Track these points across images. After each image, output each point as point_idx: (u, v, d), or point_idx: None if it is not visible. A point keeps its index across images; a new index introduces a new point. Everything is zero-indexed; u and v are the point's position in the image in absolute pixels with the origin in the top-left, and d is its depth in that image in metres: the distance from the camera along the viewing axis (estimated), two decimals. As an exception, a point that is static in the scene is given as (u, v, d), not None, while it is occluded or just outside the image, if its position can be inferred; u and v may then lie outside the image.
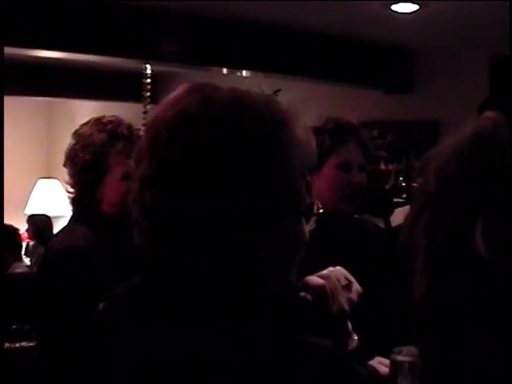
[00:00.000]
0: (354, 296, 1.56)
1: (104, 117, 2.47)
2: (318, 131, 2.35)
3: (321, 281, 1.51)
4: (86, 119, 2.53)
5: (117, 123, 2.43)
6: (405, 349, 1.44)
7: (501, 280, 0.67)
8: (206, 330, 1.05)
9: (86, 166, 2.38)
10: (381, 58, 5.91)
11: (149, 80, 5.10)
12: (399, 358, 1.45)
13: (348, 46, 5.69)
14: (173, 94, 1.14)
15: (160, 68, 5.62)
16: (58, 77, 7.10)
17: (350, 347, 1.56)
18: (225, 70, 5.47)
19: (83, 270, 2.27)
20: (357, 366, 1.19)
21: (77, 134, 2.44)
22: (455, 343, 0.71)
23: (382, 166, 3.44)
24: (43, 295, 2.39)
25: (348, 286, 1.57)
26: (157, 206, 1.07)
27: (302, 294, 1.48)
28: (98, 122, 2.44)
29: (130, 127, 2.44)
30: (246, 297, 1.08)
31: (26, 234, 6.86)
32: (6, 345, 3.79)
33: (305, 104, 5.66)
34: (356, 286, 1.59)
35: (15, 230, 5.70)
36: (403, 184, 4.38)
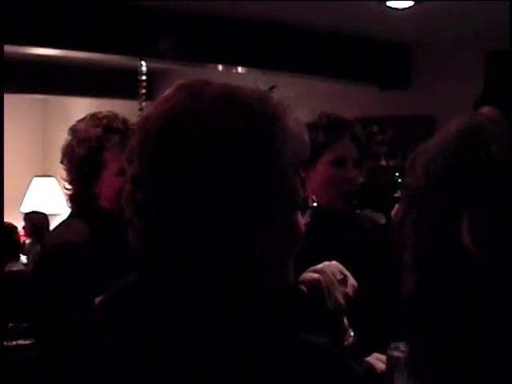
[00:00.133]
0: (349, 290, 1.56)
1: (100, 112, 2.49)
2: (311, 127, 2.35)
3: (316, 275, 1.51)
4: (81, 117, 2.53)
5: (112, 117, 2.44)
6: (401, 344, 1.43)
7: (487, 274, 0.67)
8: (204, 328, 1.04)
9: (82, 161, 2.39)
10: (377, 54, 5.91)
11: (144, 77, 5.09)
12: (396, 353, 1.44)
13: (344, 42, 5.69)
14: (164, 93, 1.14)
15: (155, 65, 5.62)
16: (53, 74, 7.08)
17: (346, 343, 1.56)
18: (220, 67, 5.46)
19: (80, 265, 2.27)
20: (352, 363, 1.19)
21: (73, 130, 2.45)
22: (444, 339, 0.71)
23: (383, 162, 3.43)
24: (39, 291, 2.38)
25: (343, 281, 1.57)
26: (148, 205, 1.07)
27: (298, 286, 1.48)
28: (93, 118, 2.45)
29: (125, 121, 2.45)
30: (241, 294, 1.07)
31: (22, 232, 6.85)
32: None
33: (300, 100, 5.66)
34: (351, 281, 1.58)
35: (14, 229, 5.69)
36: (399, 180, 4.39)
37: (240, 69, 5.50)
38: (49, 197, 7.80)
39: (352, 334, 1.58)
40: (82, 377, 1.14)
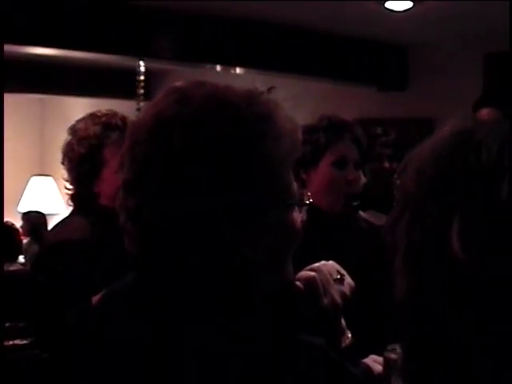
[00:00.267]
0: (346, 289, 1.56)
1: (99, 111, 2.51)
2: (312, 129, 2.36)
3: (312, 273, 1.51)
4: (79, 116, 2.55)
5: (110, 115, 2.47)
6: (398, 347, 1.43)
7: (476, 280, 0.67)
8: (204, 328, 1.05)
9: (81, 159, 2.40)
10: (375, 56, 5.91)
11: (142, 77, 5.09)
12: (392, 355, 1.44)
13: (342, 43, 5.69)
14: (155, 97, 1.14)
15: (154, 65, 5.61)
16: (50, 74, 7.07)
17: (343, 344, 1.56)
18: (218, 68, 5.46)
19: (79, 263, 2.27)
20: (349, 365, 1.19)
21: (72, 130, 2.47)
22: (436, 342, 0.71)
23: (387, 164, 3.43)
24: (39, 288, 2.38)
25: (341, 280, 1.56)
26: (140, 209, 1.07)
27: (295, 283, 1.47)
28: (92, 116, 2.47)
29: (123, 118, 2.47)
30: (239, 294, 1.07)
31: (20, 231, 6.84)
32: (-1, 343, 3.78)
33: (299, 101, 5.66)
34: (349, 280, 1.58)
35: (16, 231, 5.67)
36: (398, 181, 4.38)
37: (238, 69, 5.50)
38: (46, 196, 7.79)
39: (349, 335, 1.58)
40: (82, 376, 1.14)
